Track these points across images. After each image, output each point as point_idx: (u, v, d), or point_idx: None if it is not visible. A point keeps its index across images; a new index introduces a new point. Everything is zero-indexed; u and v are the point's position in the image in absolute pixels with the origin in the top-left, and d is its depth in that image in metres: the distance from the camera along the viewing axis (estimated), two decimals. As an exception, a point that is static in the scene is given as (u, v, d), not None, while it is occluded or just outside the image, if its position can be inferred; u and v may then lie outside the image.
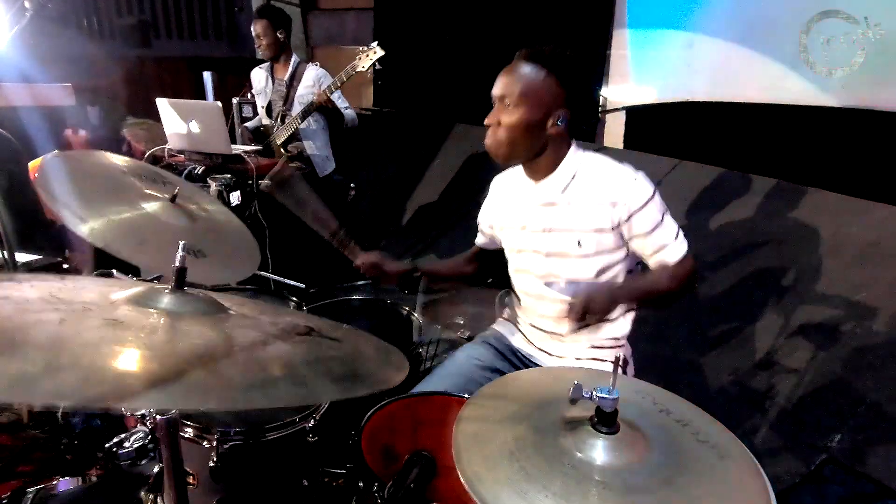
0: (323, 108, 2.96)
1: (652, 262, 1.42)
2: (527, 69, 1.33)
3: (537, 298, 1.52)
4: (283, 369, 0.69)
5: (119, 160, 1.39)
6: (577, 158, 1.41)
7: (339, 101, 3.16)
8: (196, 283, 0.98)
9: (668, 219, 1.38)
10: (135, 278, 1.73)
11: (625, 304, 1.41)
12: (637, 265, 1.49)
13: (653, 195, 1.35)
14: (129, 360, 0.62)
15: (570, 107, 1.35)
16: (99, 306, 0.77)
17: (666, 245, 1.37)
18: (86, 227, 1.10)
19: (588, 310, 1.23)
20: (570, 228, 1.40)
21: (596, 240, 1.38)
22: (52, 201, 1.12)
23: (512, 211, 1.53)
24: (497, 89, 1.36)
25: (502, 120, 1.35)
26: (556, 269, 1.45)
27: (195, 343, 0.71)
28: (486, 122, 1.38)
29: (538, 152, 1.39)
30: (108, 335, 0.67)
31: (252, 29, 3.11)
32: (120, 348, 0.64)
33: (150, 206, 1.26)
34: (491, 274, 1.77)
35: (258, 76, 3.32)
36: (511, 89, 1.33)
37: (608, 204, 1.35)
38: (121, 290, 0.87)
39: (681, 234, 1.39)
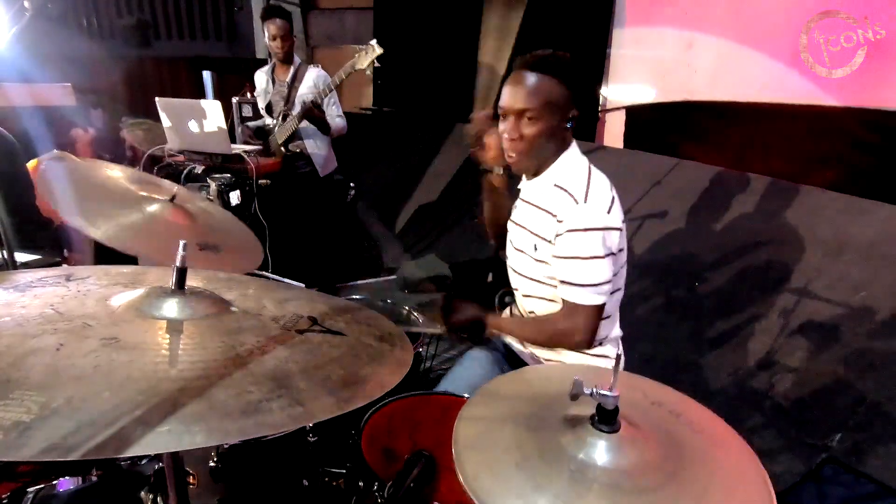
0: (310, 115, 3.00)
1: (558, 290, 1.38)
2: (540, 80, 1.31)
3: (519, 293, 1.55)
4: (279, 387, 0.69)
5: (114, 169, 1.43)
6: (566, 162, 1.41)
7: (334, 107, 3.17)
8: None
9: (597, 264, 1.30)
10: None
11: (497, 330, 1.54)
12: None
13: (599, 229, 1.29)
14: (122, 397, 0.62)
15: (577, 106, 1.37)
16: (98, 320, 0.77)
17: (572, 284, 1.33)
18: (98, 231, 1.16)
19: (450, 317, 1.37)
20: (530, 230, 1.43)
21: (545, 248, 1.39)
22: (57, 205, 1.15)
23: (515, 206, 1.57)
24: (515, 103, 1.33)
25: (525, 133, 1.34)
26: (519, 266, 1.49)
27: (192, 362, 0.71)
28: (508, 137, 1.36)
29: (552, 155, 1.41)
30: (105, 361, 0.67)
31: (266, 29, 3.07)
32: (115, 381, 0.65)
33: (154, 208, 1.32)
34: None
35: (260, 78, 3.33)
36: (531, 102, 1.31)
37: (555, 216, 1.35)
38: (124, 289, 0.87)
39: (601, 289, 1.32)
